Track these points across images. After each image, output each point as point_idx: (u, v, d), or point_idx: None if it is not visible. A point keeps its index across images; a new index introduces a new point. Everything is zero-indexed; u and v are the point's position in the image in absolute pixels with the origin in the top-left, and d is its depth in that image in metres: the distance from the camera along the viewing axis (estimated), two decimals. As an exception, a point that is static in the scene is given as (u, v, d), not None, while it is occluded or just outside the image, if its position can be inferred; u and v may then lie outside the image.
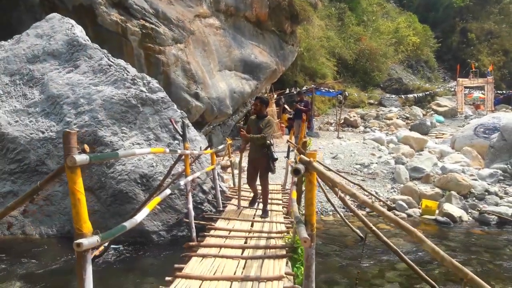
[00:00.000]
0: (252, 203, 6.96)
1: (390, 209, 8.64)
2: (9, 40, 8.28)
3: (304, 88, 19.71)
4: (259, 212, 6.54)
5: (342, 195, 5.35)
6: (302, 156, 2.41)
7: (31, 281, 5.20)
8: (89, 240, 2.27)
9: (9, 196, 6.91)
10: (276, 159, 6.08)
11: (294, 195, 3.83)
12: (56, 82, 7.53)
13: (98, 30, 10.23)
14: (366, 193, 9.03)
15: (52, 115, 7.31)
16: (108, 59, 7.84)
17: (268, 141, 6.05)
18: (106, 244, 5.86)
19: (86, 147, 2.24)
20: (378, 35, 30.70)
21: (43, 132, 7.19)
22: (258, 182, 6.55)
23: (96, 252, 5.78)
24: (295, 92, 17.99)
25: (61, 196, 6.92)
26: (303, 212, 2.93)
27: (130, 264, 5.83)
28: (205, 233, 5.41)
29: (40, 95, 7.51)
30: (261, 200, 6.65)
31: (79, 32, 8.19)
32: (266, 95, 16.94)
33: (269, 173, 6.30)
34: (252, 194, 7.14)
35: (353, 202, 7.83)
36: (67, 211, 6.78)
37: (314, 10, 19.10)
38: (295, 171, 2.19)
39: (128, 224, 2.82)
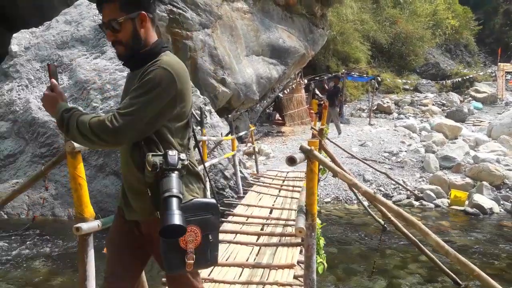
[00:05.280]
0: None
1: (417, 198, 8.41)
2: (40, 27, 8.52)
3: (333, 74, 19.31)
4: (279, 200, 6.47)
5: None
6: (302, 144, 2.35)
7: (57, 259, 5.43)
8: (88, 224, 2.29)
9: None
10: (179, 227, 1.46)
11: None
12: (84, 67, 7.71)
13: (127, 16, 10.32)
14: (393, 182, 8.82)
15: (80, 100, 7.50)
16: (134, 45, 7.94)
17: (157, 151, 1.66)
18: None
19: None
20: (415, 18, 29.52)
21: (71, 117, 7.41)
22: None
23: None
24: (325, 78, 17.70)
25: (88, 180, 7.09)
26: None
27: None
28: (223, 219, 5.43)
29: (69, 81, 7.71)
30: None
31: (106, 18, 8.32)
32: (295, 80, 16.71)
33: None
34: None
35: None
36: (93, 194, 6.98)
37: (346, -8, 18.59)
38: (290, 160, 2.14)
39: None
